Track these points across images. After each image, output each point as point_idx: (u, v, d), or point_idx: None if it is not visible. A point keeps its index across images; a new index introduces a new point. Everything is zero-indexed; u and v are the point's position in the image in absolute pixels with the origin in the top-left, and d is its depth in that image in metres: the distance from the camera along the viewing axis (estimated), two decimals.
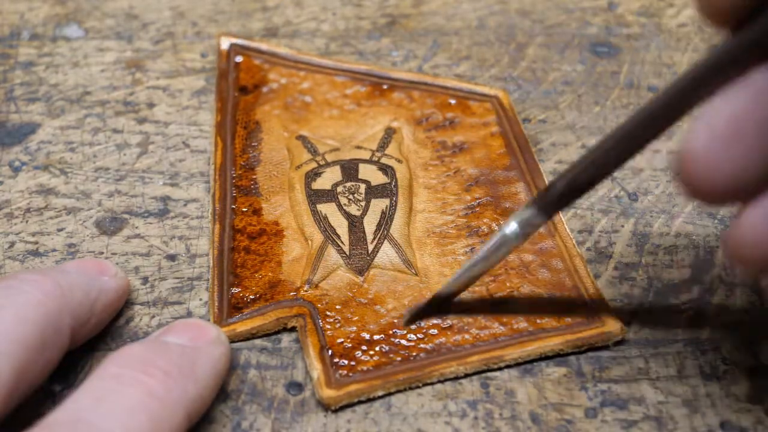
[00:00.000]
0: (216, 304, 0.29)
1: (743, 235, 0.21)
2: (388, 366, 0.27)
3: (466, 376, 0.27)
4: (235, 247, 0.30)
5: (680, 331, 0.29)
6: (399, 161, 0.33)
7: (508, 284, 0.29)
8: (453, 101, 0.36)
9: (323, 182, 0.32)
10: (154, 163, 0.34)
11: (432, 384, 0.27)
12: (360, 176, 0.33)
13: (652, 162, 0.34)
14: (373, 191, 0.32)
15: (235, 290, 0.29)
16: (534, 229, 0.26)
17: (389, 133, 0.34)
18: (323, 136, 0.34)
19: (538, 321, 0.28)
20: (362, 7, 0.41)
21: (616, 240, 0.31)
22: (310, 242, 0.30)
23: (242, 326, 0.28)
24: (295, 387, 0.27)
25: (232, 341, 0.28)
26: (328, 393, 0.26)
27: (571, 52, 0.38)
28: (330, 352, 0.27)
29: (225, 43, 0.38)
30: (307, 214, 0.31)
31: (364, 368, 0.27)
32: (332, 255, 0.30)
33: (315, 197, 0.32)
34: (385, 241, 0.30)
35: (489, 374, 0.27)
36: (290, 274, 0.30)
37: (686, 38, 0.39)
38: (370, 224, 0.31)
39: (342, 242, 0.30)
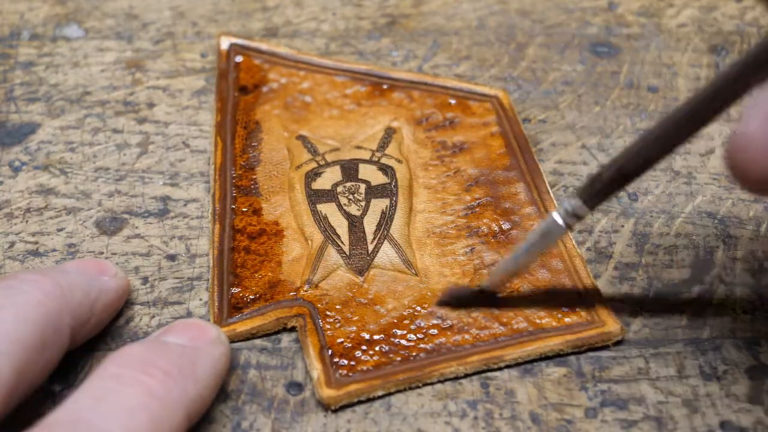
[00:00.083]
0: (216, 304, 0.29)
1: (747, 141, 0.21)
2: (388, 366, 0.27)
3: (466, 376, 0.27)
4: (235, 247, 0.30)
5: (680, 331, 0.29)
6: (399, 161, 0.33)
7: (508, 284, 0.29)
8: (453, 101, 0.36)
9: (323, 182, 0.32)
10: (154, 163, 0.34)
11: (432, 384, 0.27)
12: (360, 176, 0.33)
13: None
14: (373, 191, 0.32)
15: (235, 290, 0.29)
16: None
17: (389, 133, 0.34)
18: (323, 136, 0.34)
19: (538, 321, 0.28)
20: (362, 7, 0.41)
21: (616, 240, 0.31)
22: (310, 242, 0.30)
23: (242, 326, 0.28)
24: (295, 387, 0.27)
25: (232, 341, 0.28)
26: (328, 393, 0.26)
27: (571, 52, 0.38)
28: (330, 352, 0.27)
29: (225, 43, 0.38)
30: (307, 214, 0.31)
31: (364, 368, 0.27)
32: (332, 255, 0.30)
33: (315, 197, 0.32)
34: (385, 241, 0.30)
35: (489, 374, 0.27)
36: (290, 274, 0.30)
37: (686, 38, 0.39)
38: (370, 224, 0.31)
39: (342, 242, 0.30)
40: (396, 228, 0.31)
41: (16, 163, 0.33)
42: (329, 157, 0.33)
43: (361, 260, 0.30)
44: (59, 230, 0.31)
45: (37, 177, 0.33)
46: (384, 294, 0.29)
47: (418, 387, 0.27)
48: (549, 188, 0.32)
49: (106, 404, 0.22)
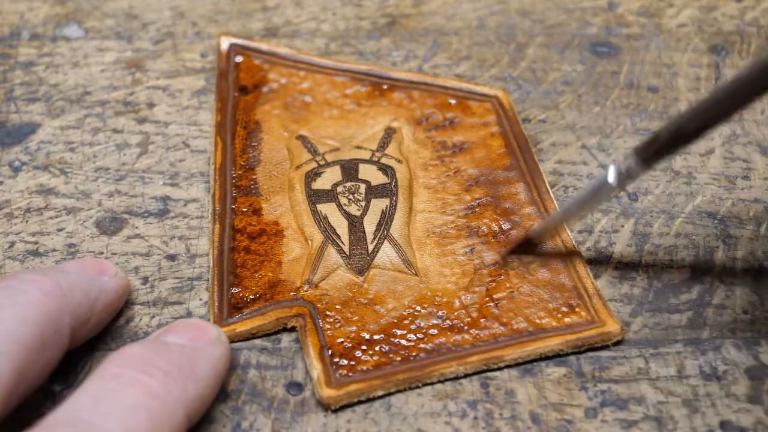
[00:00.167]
0: (216, 304, 0.29)
1: None
2: (388, 366, 0.27)
3: (466, 376, 0.27)
4: (235, 247, 0.30)
5: (680, 331, 0.29)
6: (399, 161, 0.33)
7: (507, 284, 0.29)
8: (453, 101, 0.36)
9: (323, 182, 0.32)
10: (154, 163, 0.34)
11: (432, 384, 0.27)
12: (360, 176, 0.33)
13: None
14: (373, 191, 0.32)
15: (235, 290, 0.29)
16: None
17: (389, 133, 0.34)
18: (323, 136, 0.34)
19: (538, 321, 0.28)
20: (362, 7, 0.41)
21: (616, 240, 0.31)
22: (310, 242, 0.30)
23: (242, 326, 0.28)
24: (295, 387, 0.27)
25: (232, 341, 0.28)
26: (328, 393, 0.26)
27: (571, 52, 0.38)
28: (330, 351, 0.27)
29: (225, 43, 0.38)
30: (307, 214, 0.31)
31: (364, 368, 0.27)
32: (332, 255, 0.30)
33: (315, 197, 0.32)
34: (385, 241, 0.30)
35: (489, 374, 0.27)
36: (290, 274, 0.30)
37: (686, 38, 0.39)
38: (370, 224, 0.31)
39: (342, 242, 0.30)
40: (396, 228, 0.31)
41: (16, 163, 0.33)
42: (329, 157, 0.33)
43: (361, 260, 0.30)
44: (59, 230, 0.31)
45: (37, 177, 0.33)
46: (384, 294, 0.29)
47: (418, 387, 0.27)
48: (549, 188, 0.32)
49: (106, 404, 0.22)
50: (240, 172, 0.33)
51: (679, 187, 0.33)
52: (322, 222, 0.31)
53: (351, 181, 0.32)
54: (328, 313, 0.28)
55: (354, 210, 0.31)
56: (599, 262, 0.30)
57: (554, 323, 0.28)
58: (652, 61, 0.38)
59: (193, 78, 0.37)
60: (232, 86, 0.36)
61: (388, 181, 0.32)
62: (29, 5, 0.40)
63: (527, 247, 0.30)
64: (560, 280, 0.29)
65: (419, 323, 0.28)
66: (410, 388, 0.27)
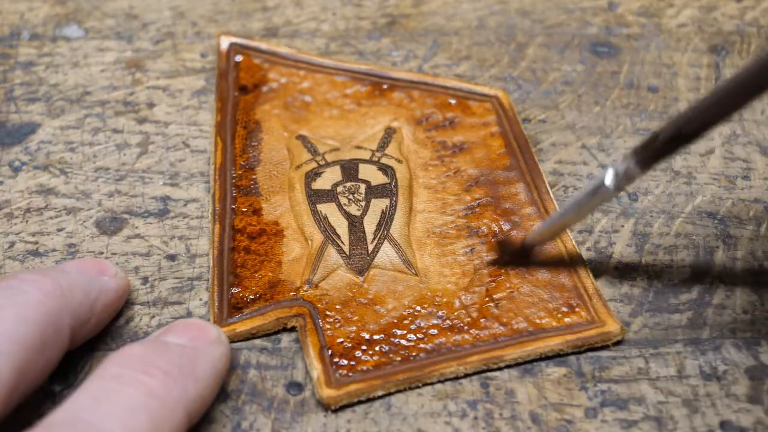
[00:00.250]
0: (216, 304, 0.29)
1: None
2: (388, 366, 0.27)
3: (466, 376, 0.27)
4: (235, 247, 0.30)
5: (680, 331, 0.29)
6: (399, 161, 0.33)
7: (507, 284, 0.29)
8: (453, 101, 0.36)
9: (323, 182, 0.32)
10: (154, 163, 0.34)
11: (432, 384, 0.27)
12: (360, 176, 0.33)
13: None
14: (373, 191, 0.32)
15: (235, 290, 0.29)
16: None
17: (389, 133, 0.34)
18: (323, 136, 0.34)
19: (538, 321, 0.28)
20: (362, 7, 0.41)
21: (616, 240, 0.31)
22: (310, 242, 0.30)
23: (242, 326, 0.28)
24: (295, 387, 0.27)
25: (232, 341, 0.28)
26: (328, 393, 0.26)
27: (571, 52, 0.38)
28: (330, 351, 0.27)
29: (225, 43, 0.38)
30: (307, 214, 0.31)
31: (364, 368, 0.27)
32: (332, 255, 0.30)
33: (315, 197, 0.32)
34: (385, 241, 0.30)
35: (489, 374, 0.27)
36: (290, 274, 0.30)
37: (686, 38, 0.39)
38: (370, 224, 0.31)
39: (342, 242, 0.30)
40: (396, 228, 0.31)
41: (16, 163, 0.33)
42: (329, 157, 0.33)
43: (361, 260, 0.30)
44: (59, 230, 0.31)
45: (37, 177, 0.33)
46: (384, 294, 0.29)
47: (418, 387, 0.27)
48: (549, 188, 0.32)
49: (106, 404, 0.22)
50: (240, 172, 0.33)
51: (679, 187, 0.33)
52: (322, 222, 0.31)
53: (351, 181, 0.32)
54: (328, 313, 0.28)
55: (354, 210, 0.31)
56: (599, 262, 0.30)
57: (554, 323, 0.28)
58: (652, 61, 0.38)
59: (193, 78, 0.37)
60: (232, 86, 0.36)
61: (388, 181, 0.32)
62: (29, 5, 0.40)
63: (524, 252, 0.30)
64: (560, 280, 0.29)
65: (419, 323, 0.28)
66: (410, 388, 0.27)
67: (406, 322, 0.28)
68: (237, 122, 0.35)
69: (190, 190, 0.33)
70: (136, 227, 0.31)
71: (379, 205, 0.32)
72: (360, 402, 0.26)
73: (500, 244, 0.30)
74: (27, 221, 0.31)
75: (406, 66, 0.38)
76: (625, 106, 0.36)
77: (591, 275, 0.30)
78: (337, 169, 0.33)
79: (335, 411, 0.26)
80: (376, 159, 0.33)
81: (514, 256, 0.30)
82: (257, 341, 0.28)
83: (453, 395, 0.27)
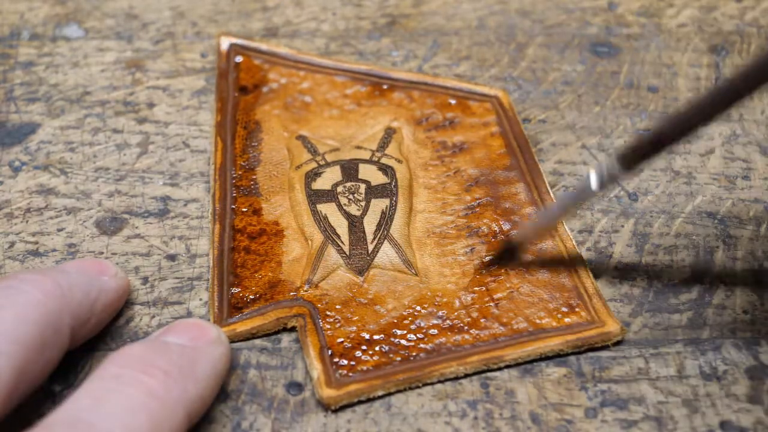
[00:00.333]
0: (216, 304, 0.29)
1: None
2: (388, 366, 0.27)
3: (466, 376, 0.27)
4: (235, 247, 0.30)
5: (680, 331, 0.29)
6: (399, 161, 0.33)
7: (508, 284, 0.29)
8: (453, 101, 0.36)
9: (323, 182, 0.32)
10: (154, 163, 0.34)
11: (432, 384, 0.27)
12: (360, 176, 0.33)
13: (651, 162, 0.34)
14: (373, 191, 0.32)
15: (235, 290, 0.29)
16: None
17: (389, 133, 0.34)
18: (323, 136, 0.34)
19: (538, 321, 0.28)
20: (362, 7, 0.41)
21: (616, 240, 0.31)
22: (310, 242, 0.30)
23: (242, 326, 0.28)
24: (295, 387, 0.27)
25: (232, 341, 0.28)
26: (328, 393, 0.26)
27: (571, 52, 0.38)
28: (330, 351, 0.27)
29: (225, 43, 0.38)
30: (307, 214, 0.31)
31: (364, 368, 0.27)
32: (332, 255, 0.30)
33: (315, 197, 0.32)
34: (385, 241, 0.30)
35: (489, 374, 0.27)
36: (290, 274, 0.30)
37: (686, 38, 0.39)
38: (370, 224, 0.31)
39: (342, 242, 0.30)
40: (396, 228, 0.31)
41: (16, 163, 0.33)
42: (329, 157, 0.33)
43: (361, 260, 0.30)
44: (59, 230, 0.31)
45: (37, 177, 0.33)
46: (384, 294, 0.29)
47: (418, 387, 0.27)
48: (549, 188, 0.32)
49: (106, 404, 0.22)
50: (240, 172, 0.33)
51: (679, 187, 0.33)
52: (322, 222, 0.31)
53: (351, 181, 0.32)
54: (328, 313, 0.28)
55: (354, 210, 0.31)
56: (599, 262, 0.30)
57: (554, 323, 0.28)
58: (652, 61, 0.38)
59: (193, 78, 0.37)
60: (232, 86, 0.36)
61: (388, 181, 0.32)
62: (29, 5, 0.40)
63: (511, 254, 0.30)
64: (560, 280, 0.29)
65: (419, 323, 0.28)
66: (410, 388, 0.27)
67: (406, 322, 0.28)
68: (237, 122, 0.35)
69: (190, 190, 0.33)
70: (136, 227, 0.31)
71: (379, 205, 0.32)
72: (360, 402, 0.26)
73: (499, 252, 0.30)
74: (27, 221, 0.31)
75: (406, 66, 0.38)
76: (625, 106, 0.36)
77: (591, 275, 0.30)
78: (337, 169, 0.33)
79: (335, 411, 0.26)
80: (376, 159, 0.33)
81: (501, 257, 0.30)
82: (257, 341, 0.28)
83: (453, 395, 0.27)
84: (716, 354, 0.28)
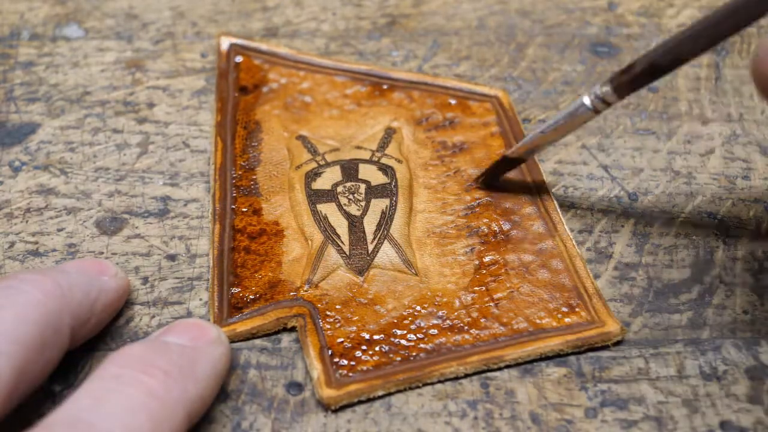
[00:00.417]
0: (216, 304, 0.29)
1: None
2: (388, 366, 0.27)
3: (466, 376, 0.27)
4: (235, 247, 0.30)
5: (680, 331, 0.29)
6: (399, 161, 0.33)
7: (508, 284, 0.29)
8: (453, 101, 0.36)
9: (323, 182, 0.32)
10: (154, 163, 0.34)
11: (432, 384, 0.27)
12: (360, 176, 0.33)
13: (651, 162, 0.34)
14: (373, 191, 0.32)
15: (235, 290, 0.29)
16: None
17: (389, 133, 0.34)
18: (323, 136, 0.34)
19: (538, 321, 0.28)
20: (362, 7, 0.41)
21: (616, 240, 0.31)
22: (310, 242, 0.30)
23: (242, 326, 0.28)
24: (295, 387, 0.27)
25: (232, 341, 0.28)
26: (328, 393, 0.26)
27: (571, 52, 0.38)
28: (330, 351, 0.27)
29: (225, 43, 0.38)
30: (307, 214, 0.31)
31: (364, 368, 0.27)
32: (332, 255, 0.30)
33: (315, 197, 0.32)
34: (385, 241, 0.30)
35: (489, 374, 0.27)
36: (290, 274, 0.30)
37: None
38: (370, 224, 0.31)
39: (342, 242, 0.30)
40: (396, 228, 0.31)
41: (16, 163, 0.33)
42: (329, 157, 0.33)
43: (361, 260, 0.30)
44: (59, 230, 0.31)
45: (37, 177, 0.33)
46: (384, 294, 0.29)
47: (418, 387, 0.27)
48: (549, 188, 0.32)
49: (106, 404, 0.22)
50: (240, 172, 0.33)
51: (679, 187, 0.33)
52: (322, 222, 0.31)
53: (351, 181, 0.32)
54: (328, 313, 0.28)
55: (354, 210, 0.31)
56: (599, 262, 0.30)
57: (554, 323, 0.28)
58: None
59: (193, 78, 0.37)
60: (232, 86, 0.36)
61: (388, 181, 0.32)
62: (29, 5, 0.40)
63: (503, 168, 0.31)
64: (560, 280, 0.29)
65: (419, 323, 0.28)
66: (410, 388, 0.27)
67: (406, 322, 0.28)
68: (237, 122, 0.35)
69: (190, 190, 0.33)
70: (136, 227, 0.31)
71: (379, 205, 0.32)
72: (360, 402, 0.26)
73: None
74: (27, 221, 0.31)
75: (406, 66, 0.38)
76: (625, 106, 0.36)
77: (591, 275, 0.30)
78: (337, 169, 0.33)
79: (335, 411, 0.26)
80: (376, 159, 0.33)
81: (490, 174, 0.31)
82: (257, 341, 0.28)
83: (453, 395, 0.27)
84: (716, 354, 0.28)
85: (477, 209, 0.32)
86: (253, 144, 0.34)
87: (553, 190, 0.32)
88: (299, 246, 0.30)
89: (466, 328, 0.28)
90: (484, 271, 0.30)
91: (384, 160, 0.33)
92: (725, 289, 0.30)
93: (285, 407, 0.26)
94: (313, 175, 0.33)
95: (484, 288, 0.29)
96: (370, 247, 0.30)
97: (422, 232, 0.31)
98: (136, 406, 0.22)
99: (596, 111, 0.29)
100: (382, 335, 0.28)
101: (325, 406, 0.26)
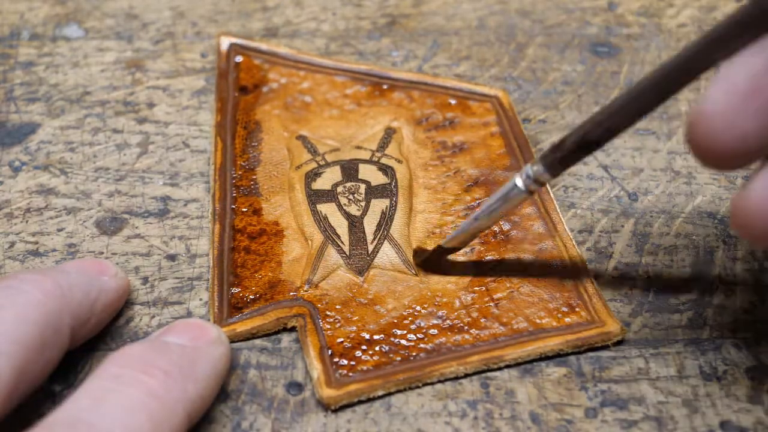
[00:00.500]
0: (216, 304, 0.29)
1: (751, 204, 0.21)
2: (388, 366, 0.27)
3: (466, 376, 0.27)
4: (235, 247, 0.30)
5: (680, 331, 0.29)
6: (399, 161, 0.33)
7: (508, 284, 0.29)
8: (453, 101, 0.36)
9: (323, 182, 0.32)
10: (154, 163, 0.34)
11: (432, 384, 0.27)
12: (360, 176, 0.33)
13: (651, 162, 0.34)
14: (373, 191, 0.32)
15: (235, 290, 0.29)
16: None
17: (389, 133, 0.34)
18: (323, 136, 0.34)
19: (538, 321, 0.28)
20: (362, 7, 0.41)
21: (616, 240, 0.31)
22: (310, 242, 0.30)
23: (242, 326, 0.28)
24: (295, 387, 0.27)
25: (232, 341, 0.28)
26: (328, 393, 0.26)
27: (571, 52, 0.38)
28: (330, 351, 0.27)
29: (225, 43, 0.38)
30: (307, 214, 0.31)
31: (364, 368, 0.27)
32: (332, 255, 0.30)
33: (315, 197, 0.32)
34: (385, 241, 0.30)
35: (489, 374, 0.27)
36: (290, 274, 0.30)
37: (686, 38, 0.39)
38: (370, 224, 0.31)
39: (342, 242, 0.30)
40: (396, 228, 0.31)
41: (16, 163, 0.33)
42: (329, 157, 0.33)
43: (361, 260, 0.30)
44: (59, 230, 0.31)
45: (37, 177, 0.33)
46: (384, 294, 0.29)
47: (418, 387, 0.27)
48: (549, 188, 0.32)
49: (106, 404, 0.22)
50: (240, 172, 0.33)
51: (679, 187, 0.33)
52: (322, 222, 0.31)
53: (351, 181, 0.32)
54: (328, 313, 0.28)
55: (354, 210, 0.31)
56: (599, 262, 0.30)
57: (554, 323, 0.28)
58: (652, 61, 0.38)
59: (193, 78, 0.37)
60: (232, 86, 0.36)
61: (388, 181, 0.32)
62: (29, 5, 0.40)
63: (439, 256, 0.29)
64: (560, 280, 0.29)
65: (419, 323, 0.28)
66: (410, 388, 0.27)
67: (406, 322, 0.28)
68: (237, 122, 0.35)
69: (190, 190, 0.33)
70: (136, 227, 0.31)
71: (379, 205, 0.32)
72: (360, 402, 0.26)
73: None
74: (27, 221, 0.31)
75: (406, 66, 0.38)
76: None
77: (591, 275, 0.30)
78: (337, 169, 0.33)
79: (335, 411, 0.26)
80: (376, 159, 0.33)
81: (428, 262, 0.30)
82: (257, 341, 0.28)
83: (453, 395, 0.27)
84: (716, 354, 0.28)
85: (477, 209, 0.32)
86: (253, 144, 0.34)
87: (553, 190, 0.32)
88: (299, 246, 0.30)
89: (466, 328, 0.28)
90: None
91: (384, 160, 0.33)
92: (725, 289, 0.30)
93: (285, 407, 0.26)
94: (313, 175, 0.33)
95: (484, 288, 0.29)
96: (370, 248, 0.30)
97: (422, 233, 0.31)
98: (136, 406, 0.22)
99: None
100: (382, 335, 0.28)
101: (325, 406, 0.26)
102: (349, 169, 0.33)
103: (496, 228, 0.31)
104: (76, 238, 0.31)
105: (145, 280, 0.30)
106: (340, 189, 0.32)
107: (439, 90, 0.36)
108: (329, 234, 0.31)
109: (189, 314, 0.29)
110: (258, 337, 0.28)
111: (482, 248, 0.30)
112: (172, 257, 0.30)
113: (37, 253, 0.30)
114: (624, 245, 0.31)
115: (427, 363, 0.27)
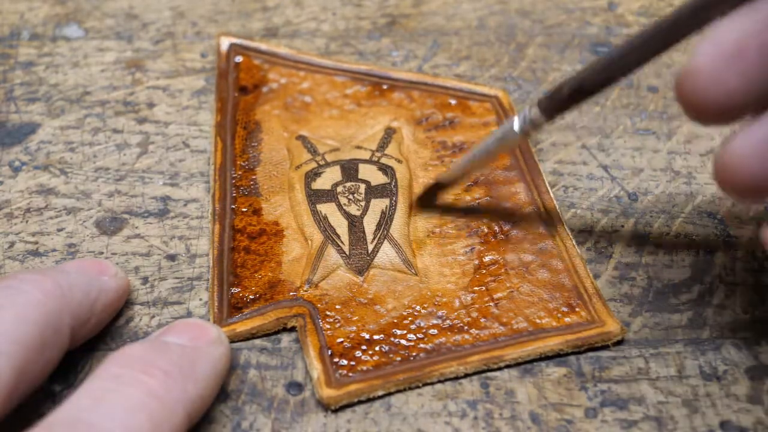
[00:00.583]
0: (216, 304, 0.29)
1: (734, 157, 0.22)
2: (388, 366, 0.27)
3: (466, 376, 0.27)
4: (235, 247, 0.30)
5: (680, 331, 0.29)
6: (399, 161, 0.33)
7: (507, 284, 0.29)
8: (453, 101, 0.36)
9: (323, 182, 0.32)
10: (154, 163, 0.34)
11: (432, 384, 0.27)
12: (360, 176, 0.33)
13: (651, 162, 0.34)
14: (373, 191, 0.32)
15: (235, 290, 0.29)
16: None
17: (389, 133, 0.34)
18: (323, 136, 0.34)
19: (538, 321, 0.28)
20: (362, 7, 0.41)
21: (616, 240, 0.31)
22: (310, 242, 0.30)
23: (242, 326, 0.28)
24: (295, 387, 0.27)
25: (232, 341, 0.28)
26: (328, 393, 0.26)
27: (571, 52, 0.38)
28: (330, 351, 0.27)
29: (225, 43, 0.38)
30: (307, 214, 0.31)
31: (364, 368, 0.27)
32: (332, 255, 0.30)
33: (315, 197, 0.32)
34: (385, 241, 0.30)
35: (489, 374, 0.27)
36: (290, 274, 0.30)
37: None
38: (370, 224, 0.31)
39: (342, 242, 0.30)
40: (396, 228, 0.31)
41: (16, 163, 0.33)
42: (329, 157, 0.33)
43: (361, 260, 0.30)
44: (59, 230, 0.31)
45: (37, 177, 0.33)
46: (384, 294, 0.29)
47: (418, 387, 0.27)
48: (549, 188, 0.32)
49: (106, 404, 0.22)
50: (240, 173, 0.33)
51: (679, 187, 0.33)
52: (322, 222, 0.31)
53: (351, 181, 0.32)
54: (328, 313, 0.28)
55: (354, 210, 0.31)
56: (599, 262, 0.31)
57: (554, 323, 0.28)
58: (652, 61, 0.38)
59: (193, 78, 0.37)
60: (232, 86, 0.36)
61: (388, 181, 0.32)
62: (29, 5, 0.40)
63: (436, 192, 0.31)
64: (560, 280, 0.29)
65: (419, 323, 0.28)
66: (410, 388, 0.27)
67: (406, 322, 0.28)
68: (237, 122, 0.35)
69: (190, 190, 0.33)
70: (136, 227, 0.31)
71: (379, 205, 0.32)
72: (360, 402, 0.26)
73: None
74: (27, 221, 0.31)
75: (406, 66, 0.38)
76: (625, 106, 0.36)
77: (591, 275, 0.30)
78: (337, 169, 0.33)
79: (335, 411, 0.26)
80: (376, 159, 0.33)
81: (424, 198, 0.31)
82: (257, 341, 0.28)
83: (453, 395, 0.27)
84: (716, 354, 0.28)
85: (477, 209, 0.32)
86: (252, 144, 0.34)
87: (553, 190, 0.32)
88: (299, 246, 0.30)
89: (466, 328, 0.28)
90: (484, 271, 0.30)
91: (384, 160, 0.33)
92: (725, 289, 0.30)
93: (285, 407, 0.26)
94: (313, 175, 0.33)
95: (484, 288, 0.29)
96: (370, 247, 0.30)
97: (422, 232, 0.31)
98: (136, 406, 0.22)
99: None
100: (382, 335, 0.28)
101: (325, 406, 0.26)
102: (349, 169, 0.33)
103: (496, 228, 0.31)
104: (76, 238, 0.31)
105: (145, 280, 0.30)
106: (339, 189, 0.32)
107: (439, 90, 0.36)
108: (329, 234, 0.31)
109: (189, 314, 0.29)
110: (258, 337, 0.28)
111: (482, 248, 0.30)
112: (172, 257, 0.30)
113: (37, 253, 0.30)
114: (624, 245, 0.31)
115: (427, 363, 0.27)
